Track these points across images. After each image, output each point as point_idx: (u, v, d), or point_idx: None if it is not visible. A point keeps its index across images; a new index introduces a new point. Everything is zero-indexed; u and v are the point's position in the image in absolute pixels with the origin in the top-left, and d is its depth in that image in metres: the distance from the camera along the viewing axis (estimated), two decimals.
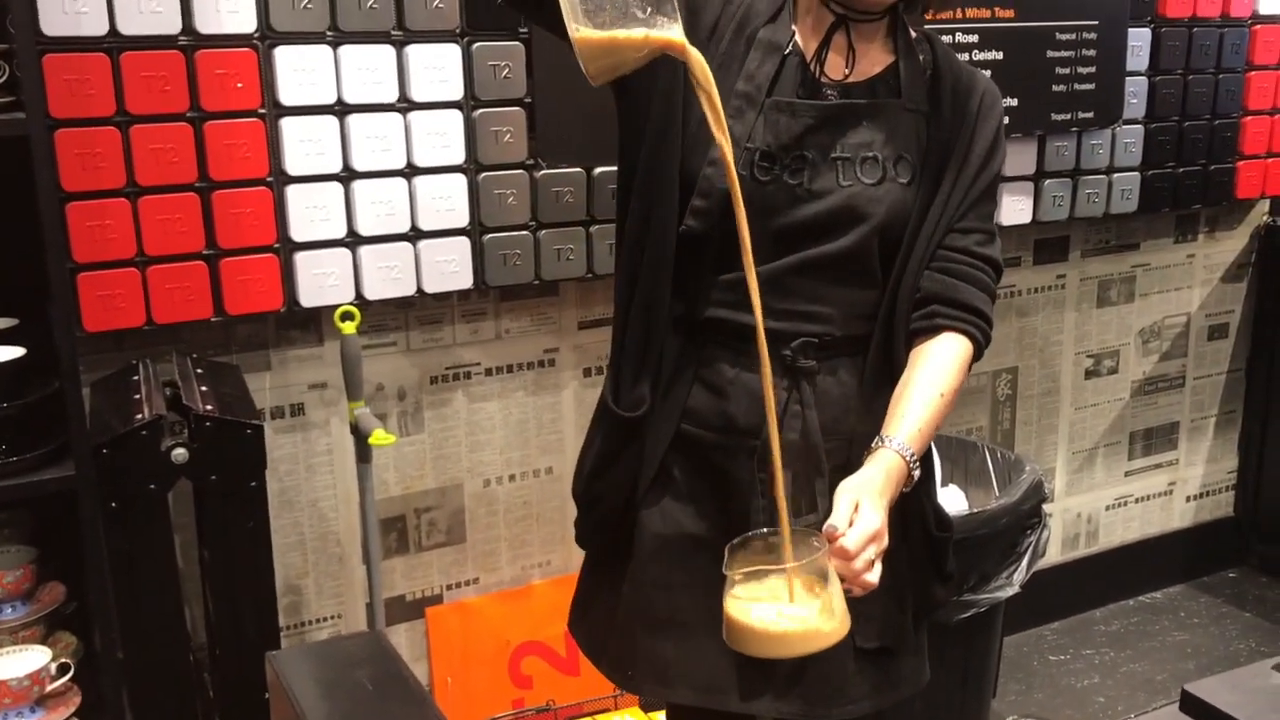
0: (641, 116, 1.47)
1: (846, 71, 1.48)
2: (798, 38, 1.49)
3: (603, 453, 1.57)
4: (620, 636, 1.62)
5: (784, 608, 1.30)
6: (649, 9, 1.24)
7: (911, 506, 1.58)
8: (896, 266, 1.49)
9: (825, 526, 1.31)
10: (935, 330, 1.49)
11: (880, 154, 1.47)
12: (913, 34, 1.53)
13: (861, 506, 1.33)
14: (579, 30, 1.22)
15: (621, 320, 1.54)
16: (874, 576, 1.32)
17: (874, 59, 1.51)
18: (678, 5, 1.26)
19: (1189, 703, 1.15)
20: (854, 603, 1.54)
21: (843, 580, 1.32)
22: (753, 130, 1.45)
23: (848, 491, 1.35)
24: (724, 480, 1.54)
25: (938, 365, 1.48)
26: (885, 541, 1.34)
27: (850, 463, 1.52)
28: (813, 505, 1.52)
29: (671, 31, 1.24)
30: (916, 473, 1.43)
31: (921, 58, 1.52)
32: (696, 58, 1.28)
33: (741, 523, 1.52)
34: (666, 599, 1.56)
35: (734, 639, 1.34)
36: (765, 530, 1.38)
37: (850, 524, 1.32)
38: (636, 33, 1.23)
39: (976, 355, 1.52)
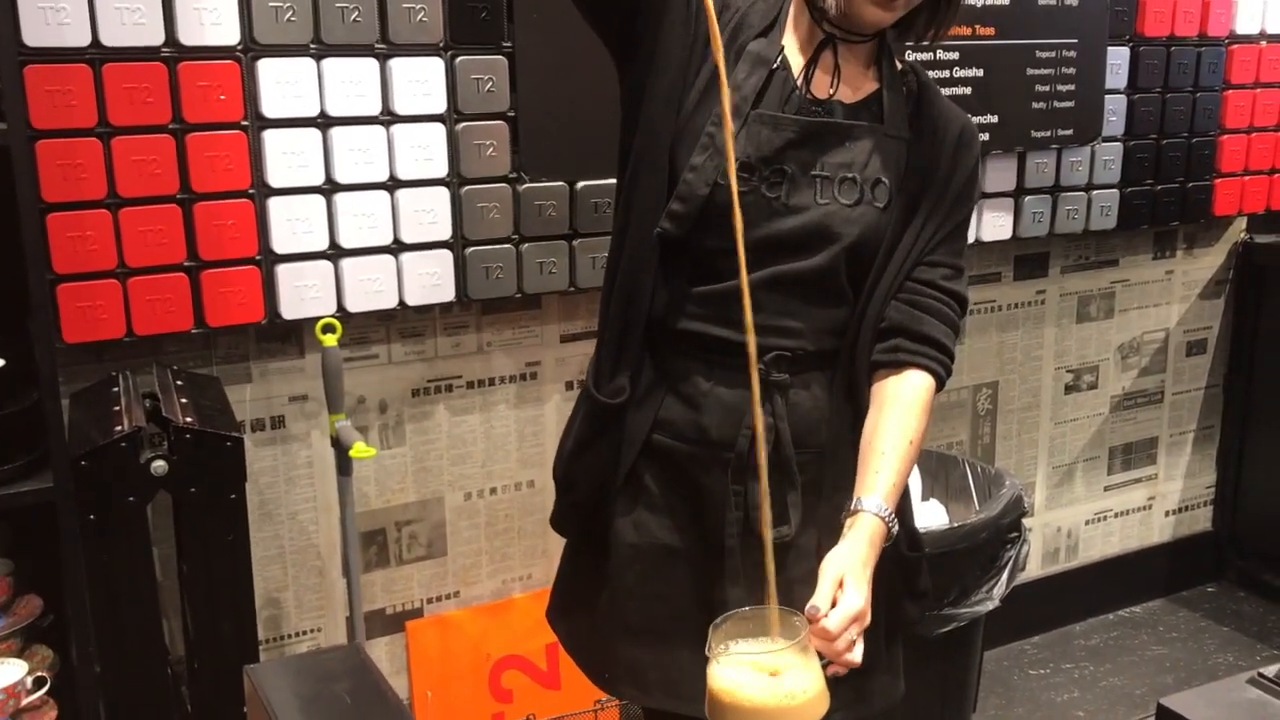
0: (638, 106, 1.48)
1: (831, 91, 1.50)
2: (787, 53, 1.50)
3: (582, 436, 1.59)
4: (599, 639, 1.63)
5: (765, 686, 1.30)
6: None
7: None
8: (865, 290, 1.51)
9: (808, 607, 1.32)
10: (898, 365, 1.51)
11: (858, 176, 1.48)
12: (899, 65, 1.54)
13: (845, 585, 1.34)
14: None
15: (604, 312, 1.57)
16: (856, 656, 1.33)
17: (859, 85, 1.52)
18: None
19: (1164, 717, 1.16)
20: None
21: (823, 658, 1.33)
22: (736, 138, 1.45)
23: (832, 568, 1.36)
24: (697, 492, 1.55)
25: (903, 410, 1.49)
26: (867, 620, 1.35)
27: (822, 476, 1.54)
28: (784, 518, 1.52)
29: None
30: (895, 529, 1.44)
31: (906, 89, 1.53)
32: None
33: (715, 535, 1.53)
34: (642, 608, 1.58)
35: (715, 715, 1.34)
36: (748, 609, 1.39)
37: (833, 603, 1.33)
38: None
39: (937, 389, 1.54)
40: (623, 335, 1.53)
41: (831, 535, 1.54)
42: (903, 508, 1.61)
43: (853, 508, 1.44)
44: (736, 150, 1.45)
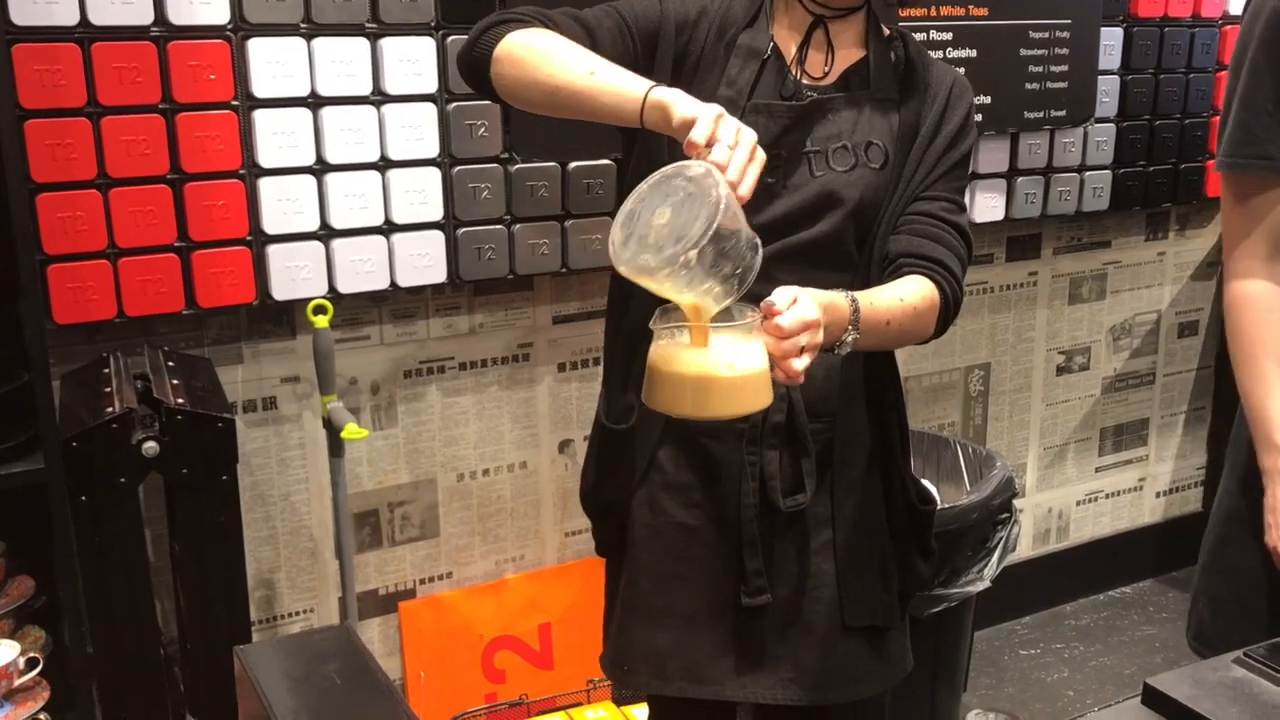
0: (635, 134, 1.49)
1: (826, 69, 1.52)
2: (777, 40, 1.52)
3: (600, 465, 1.63)
4: (618, 631, 1.64)
5: (706, 357, 1.25)
6: (733, 281, 1.23)
7: (894, 481, 1.62)
8: (868, 243, 1.52)
9: (763, 302, 1.27)
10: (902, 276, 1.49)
11: (850, 142, 1.50)
12: (886, 31, 1.55)
13: (800, 299, 1.29)
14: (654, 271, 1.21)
15: (612, 336, 1.60)
16: (800, 366, 1.27)
17: (848, 54, 1.54)
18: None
19: (1151, 696, 1.17)
20: (843, 582, 1.56)
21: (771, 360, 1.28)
22: None
23: (789, 287, 1.30)
24: (713, 465, 1.56)
25: (901, 281, 1.47)
26: (819, 339, 1.29)
27: (835, 444, 1.56)
28: (800, 486, 1.54)
29: (717, 306, 1.25)
30: (849, 337, 1.37)
31: (894, 54, 1.55)
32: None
33: (731, 507, 1.55)
34: (659, 589, 1.59)
35: (655, 390, 1.29)
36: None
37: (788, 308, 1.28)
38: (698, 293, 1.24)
39: (944, 309, 1.49)
40: (631, 354, 1.56)
41: (846, 501, 1.56)
42: (906, 463, 1.65)
43: None
44: None
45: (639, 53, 1.50)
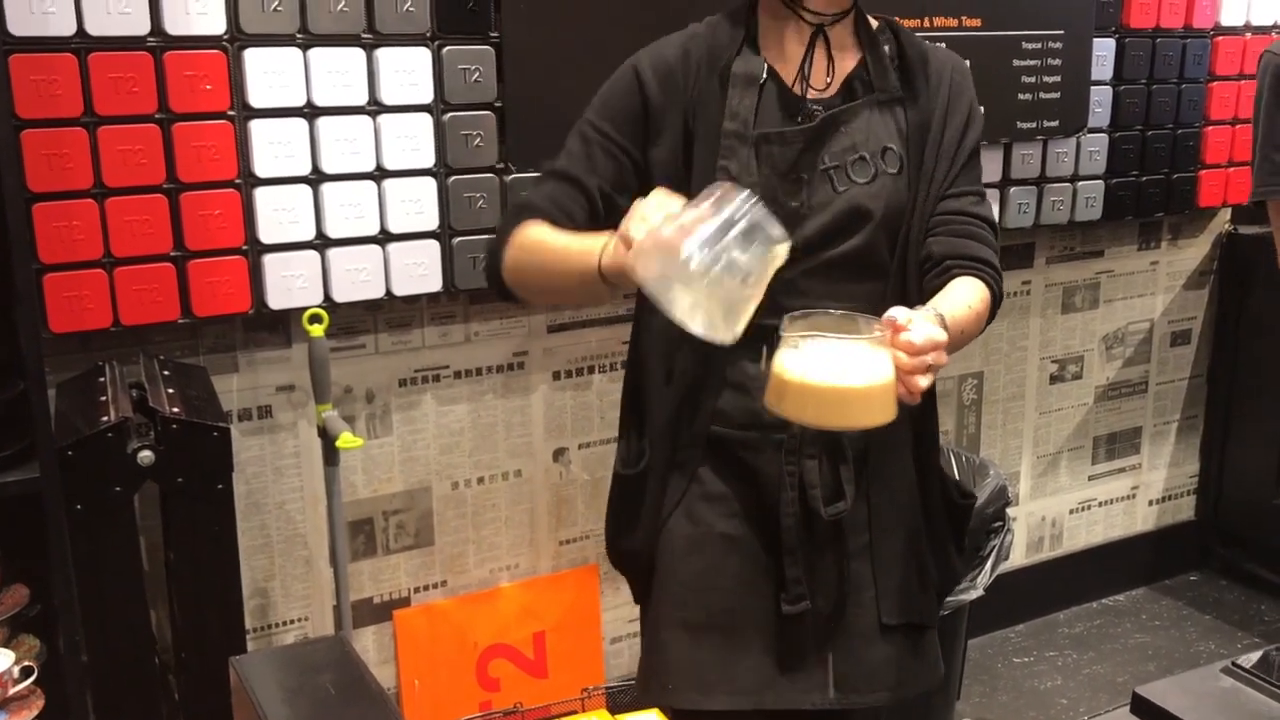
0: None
1: (828, 79, 1.52)
2: (769, 62, 1.51)
3: (618, 515, 1.65)
4: (656, 648, 1.62)
5: (839, 370, 1.24)
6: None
7: (930, 480, 1.63)
8: (899, 247, 1.52)
9: (885, 316, 1.27)
10: (952, 278, 1.51)
11: (865, 152, 1.50)
12: (874, 24, 1.56)
13: (917, 318, 1.28)
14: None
15: (630, 384, 1.63)
16: (924, 384, 1.27)
17: (845, 58, 1.54)
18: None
19: (1140, 705, 1.17)
20: (879, 580, 1.58)
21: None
22: (748, 165, 1.47)
23: (902, 308, 1.30)
24: (752, 476, 1.56)
25: (961, 285, 1.48)
26: (944, 359, 1.30)
27: (869, 450, 1.56)
28: (840, 494, 1.54)
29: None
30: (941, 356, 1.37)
31: (887, 48, 1.55)
32: None
33: (770, 518, 1.55)
34: (701, 600, 1.58)
35: (778, 396, 1.27)
36: (828, 313, 1.33)
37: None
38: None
39: (993, 307, 1.52)
40: (644, 399, 1.58)
41: (883, 503, 1.57)
42: (940, 466, 1.65)
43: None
44: (753, 174, 1.47)
45: (634, 157, 1.52)
